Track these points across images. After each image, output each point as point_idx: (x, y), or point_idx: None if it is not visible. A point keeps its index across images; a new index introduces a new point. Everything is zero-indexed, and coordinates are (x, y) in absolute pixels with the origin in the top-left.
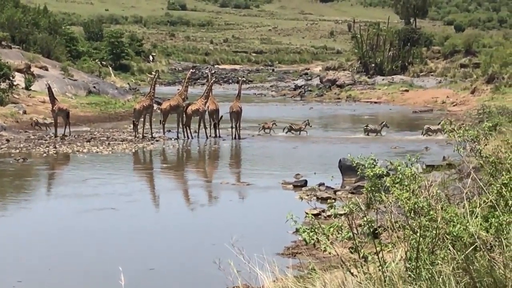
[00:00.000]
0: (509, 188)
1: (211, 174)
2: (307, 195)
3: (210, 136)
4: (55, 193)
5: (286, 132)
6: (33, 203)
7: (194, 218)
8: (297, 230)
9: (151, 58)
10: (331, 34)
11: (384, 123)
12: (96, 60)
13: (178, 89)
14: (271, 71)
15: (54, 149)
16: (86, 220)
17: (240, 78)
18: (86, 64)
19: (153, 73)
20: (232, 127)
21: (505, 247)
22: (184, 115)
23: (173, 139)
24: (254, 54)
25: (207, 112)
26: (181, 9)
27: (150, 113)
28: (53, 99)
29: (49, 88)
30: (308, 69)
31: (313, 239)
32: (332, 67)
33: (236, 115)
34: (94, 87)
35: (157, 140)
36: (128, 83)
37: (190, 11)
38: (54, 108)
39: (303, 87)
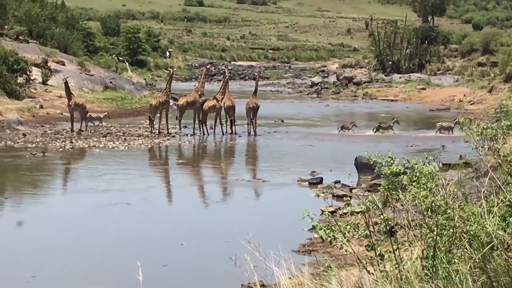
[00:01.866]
0: None
1: (226, 170)
2: (323, 193)
3: (226, 132)
4: (70, 188)
5: (375, 131)
6: (48, 197)
7: (209, 215)
8: (313, 228)
9: (167, 54)
10: (348, 32)
11: (456, 120)
12: (113, 56)
13: (195, 85)
14: (287, 68)
15: (70, 143)
16: (100, 215)
17: (256, 74)
18: (103, 59)
19: (169, 69)
20: (248, 124)
21: None
22: (200, 111)
23: (189, 135)
24: (271, 51)
25: (223, 109)
26: (198, 5)
27: (166, 109)
28: (69, 94)
29: (66, 83)
30: (325, 66)
31: (329, 237)
32: (349, 64)
33: (252, 112)
34: (111, 82)
35: (173, 136)
36: (145, 79)
37: (207, 7)
38: (70, 103)
39: (319, 84)
